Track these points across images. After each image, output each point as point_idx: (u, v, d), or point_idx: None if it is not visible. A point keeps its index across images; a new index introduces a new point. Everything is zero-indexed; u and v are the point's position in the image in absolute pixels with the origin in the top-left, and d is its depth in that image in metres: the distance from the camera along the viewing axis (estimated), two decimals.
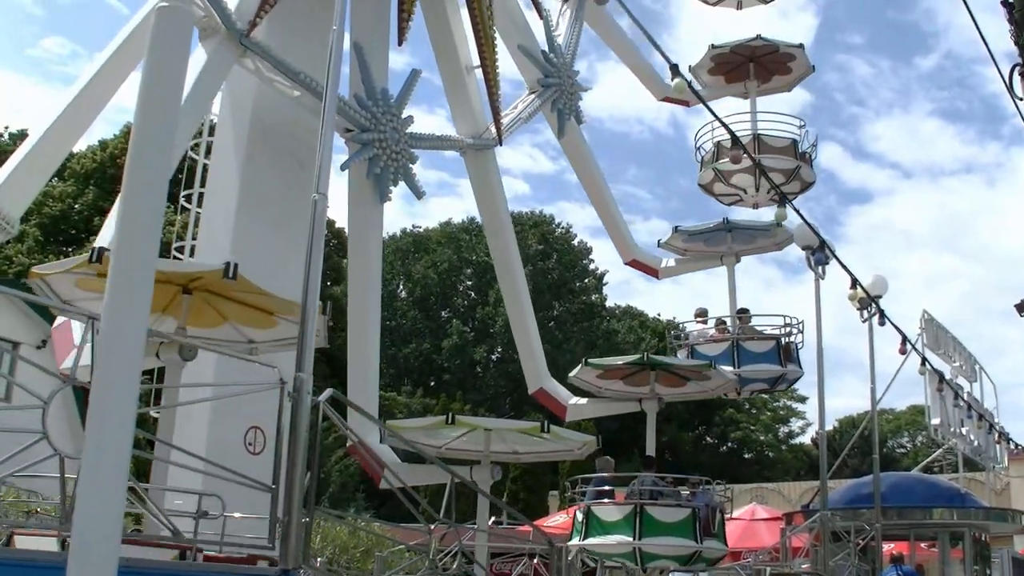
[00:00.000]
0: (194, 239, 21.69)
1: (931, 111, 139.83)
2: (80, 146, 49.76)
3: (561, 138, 27.87)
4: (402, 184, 22.46)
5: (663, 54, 11.58)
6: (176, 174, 21.67)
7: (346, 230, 60.46)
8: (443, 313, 73.87)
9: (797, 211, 18.79)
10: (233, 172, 19.49)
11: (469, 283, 75.77)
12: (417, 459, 22.78)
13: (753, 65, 30.43)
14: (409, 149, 21.94)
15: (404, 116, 22.05)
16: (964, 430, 29.22)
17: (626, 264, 30.75)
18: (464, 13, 24.80)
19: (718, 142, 29.95)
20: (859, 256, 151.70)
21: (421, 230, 79.77)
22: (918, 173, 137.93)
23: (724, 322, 26.29)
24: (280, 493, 8.52)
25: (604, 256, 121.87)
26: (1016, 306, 24.06)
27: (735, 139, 14.58)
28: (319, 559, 18.30)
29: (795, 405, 78.55)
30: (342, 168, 21.96)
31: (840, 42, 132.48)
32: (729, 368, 23.64)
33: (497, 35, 24.98)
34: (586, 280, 75.98)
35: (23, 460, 7.47)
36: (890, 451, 79.16)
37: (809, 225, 19.24)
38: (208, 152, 22.22)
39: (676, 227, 28.16)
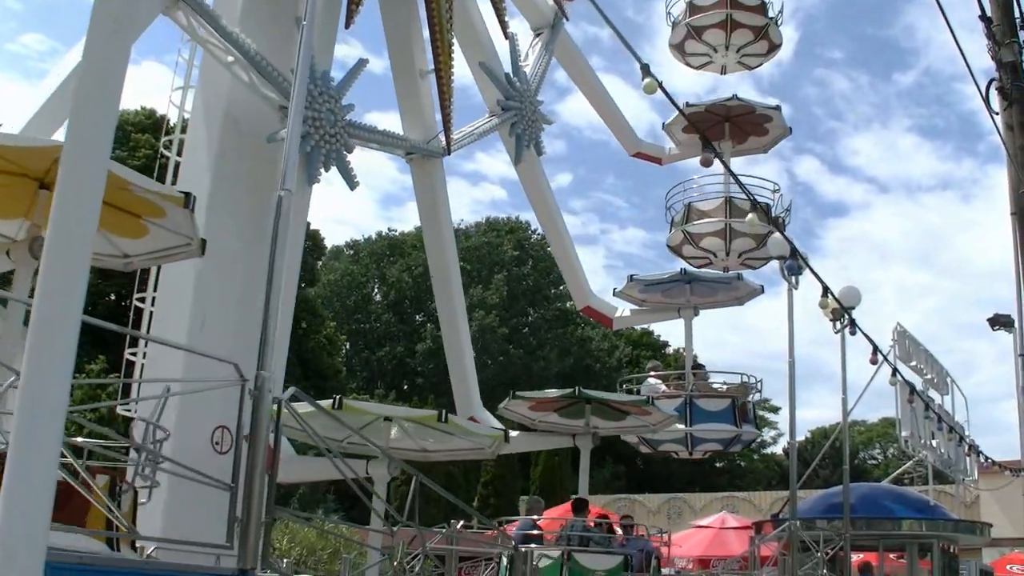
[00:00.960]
0: None
1: (909, 127, 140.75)
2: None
3: (517, 165, 26.99)
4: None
5: (635, 55, 11.51)
6: (148, 172, 21.52)
7: (321, 232, 60.26)
8: (417, 317, 73.80)
9: (771, 220, 18.75)
10: (204, 170, 19.33)
11: None
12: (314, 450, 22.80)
13: (728, 125, 30.45)
14: (346, 136, 21.64)
15: (345, 104, 22.47)
16: (934, 442, 29.21)
17: (580, 311, 31.01)
18: (423, 15, 24.85)
19: (689, 203, 30.45)
20: (835, 269, 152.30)
21: (396, 233, 79.73)
22: (894, 188, 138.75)
23: (680, 377, 25.61)
24: (239, 492, 8.39)
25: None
26: (988, 320, 24.10)
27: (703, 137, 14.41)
28: (286, 560, 18.23)
29: (767, 415, 78.77)
30: (268, 140, 21.23)
31: (820, 56, 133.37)
32: (681, 426, 22.98)
33: (457, 46, 24.96)
34: (561, 287, 75.83)
35: None
36: (861, 462, 79.48)
37: (783, 234, 19.21)
38: (180, 150, 22.08)
39: (632, 276, 27.16)
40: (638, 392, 25.23)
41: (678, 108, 15.61)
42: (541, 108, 26.70)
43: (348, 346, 70.93)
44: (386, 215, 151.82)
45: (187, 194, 10.64)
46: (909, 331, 28.89)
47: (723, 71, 32.04)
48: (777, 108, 30.40)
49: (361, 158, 29.25)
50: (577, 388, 19.76)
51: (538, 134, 26.27)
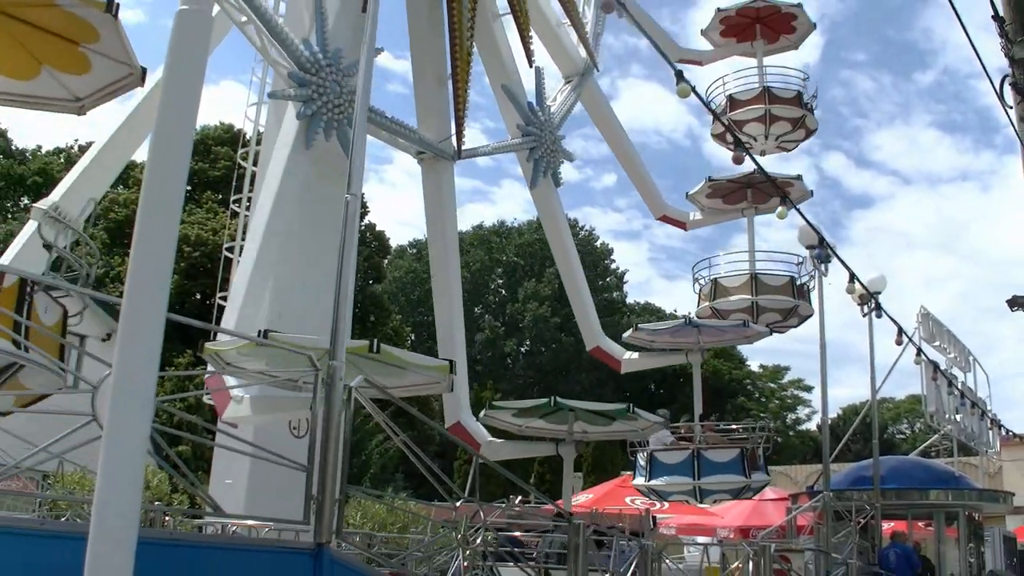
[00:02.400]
0: (243, 240, 21.72)
1: (929, 122, 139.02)
2: (141, 156, 49.97)
3: (532, 189, 26.30)
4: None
5: (669, 61, 11.46)
6: (228, 182, 21.76)
7: (387, 233, 60.48)
8: (476, 309, 73.91)
9: (799, 211, 18.61)
10: (275, 178, 19.45)
11: (500, 281, 75.79)
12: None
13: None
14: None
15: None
16: (958, 417, 28.88)
17: (589, 352, 29.71)
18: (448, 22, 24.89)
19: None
20: (862, 257, 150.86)
21: None
22: (917, 180, 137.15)
23: (691, 429, 22.85)
24: (315, 472, 8.44)
25: (625, 257, 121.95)
26: (1008, 302, 23.76)
27: (740, 144, 14.32)
28: (358, 535, 18.30)
29: (801, 394, 78.54)
30: (269, 96, 21.42)
31: (844, 59, 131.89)
32: (688, 479, 21.28)
33: (481, 63, 25.13)
34: (608, 279, 75.83)
35: (78, 440, 7.38)
36: (890, 437, 78.67)
37: (810, 224, 19.02)
38: (256, 160, 22.27)
39: (638, 325, 24.74)
40: (645, 443, 22.85)
41: (710, 110, 15.52)
42: (563, 143, 26.20)
43: (413, 337, 71.14)
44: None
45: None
46: (933, 314, 28.56)
47: (763, 154, 31.95)
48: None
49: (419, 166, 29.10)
50: (553, 398, 18.77)
51: (557, 166, 25.77)
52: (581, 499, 29.06)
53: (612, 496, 28.71)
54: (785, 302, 27.91)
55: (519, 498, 21.74)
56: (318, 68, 18.78)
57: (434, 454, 47.79)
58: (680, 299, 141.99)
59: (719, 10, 30.86)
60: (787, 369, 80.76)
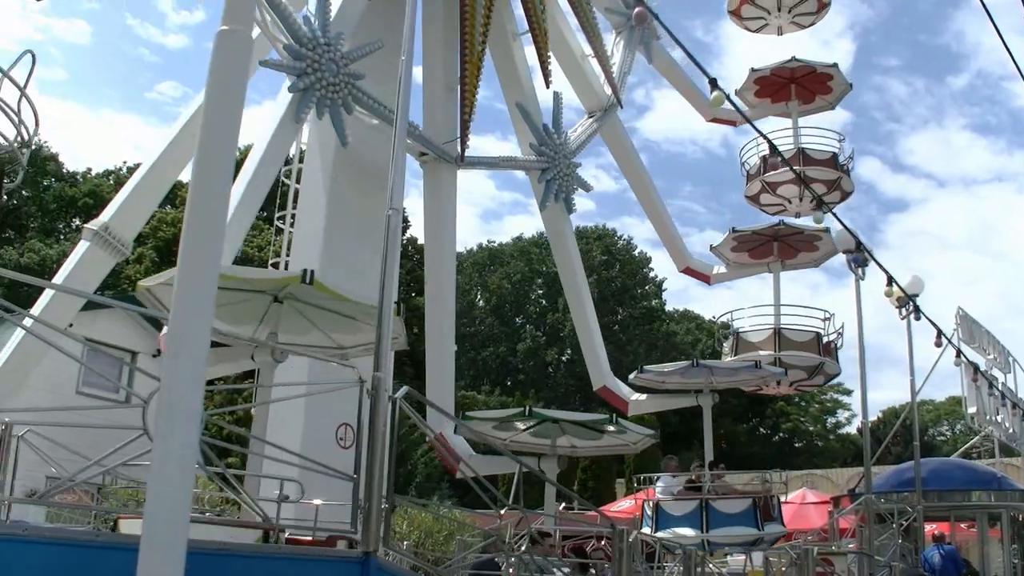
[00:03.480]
0: (288, 256, 21.87)
1: (963, 125, 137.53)
2: (188, 176, 50.41)
3: (542, 211, 25.40)
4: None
5: (702, 70, 11.42)
6: (271, 199, 21.90)
7: (423, 240, 60.81)
8: (517, 319, 74.02)
9: (836, 216, 18.47)
10: (320, 194, 19.57)
11: (540, 292, 75.81)
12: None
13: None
14: (347, 94, 19.93)
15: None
16: (999, 418, 28.50)
17: (596, 391, 28.01)
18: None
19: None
20: (898, 260, 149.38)
21: (496, 245, 79.99)
22: (952, 182, 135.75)
23: (700, 467, 20.73)
24: (361, 482, 8.46)
25: (663, 265, 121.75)
26: None
27: (773, 147, 14.26)
28: (405, 542, 18.34)
29: (841, 398, 77.76)
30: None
31: (877, 64, 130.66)
32: (693, 531, 19.75)
33: (498, 78, 25.02)
34: (646, 287, 75.68)
35: (130, 453, 7.45)
36: (931, 439, 77.80)
37: (847, 228, 18.88)
38: (299, 178, 22.41)
39: (643, 367, 23.08)
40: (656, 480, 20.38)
41: (746, 118, 15.46)
42: (579, 171, 25.38)
43: (456, 348, 71.39)
44: (486, 228, 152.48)
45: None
46: (971, 315, 28.24)
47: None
48: (835, 66, 30.04)
49: (463, 178, 28.91)
50: (528, 407, 17.83)
51: (571, 192, 24.95)
52: (624, 505, 28.94)
53: None
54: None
55: (562, 505, 21.67)
56: (315, 45, 18.32)
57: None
58: (718, 306, 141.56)
59: (753, 70, 30.21)
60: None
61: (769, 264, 28.92)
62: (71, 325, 21.38)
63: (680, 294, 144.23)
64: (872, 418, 66.48)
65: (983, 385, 26.98)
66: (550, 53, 24.09)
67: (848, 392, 76.42)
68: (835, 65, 30.14)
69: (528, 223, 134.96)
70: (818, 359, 27.16)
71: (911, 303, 21.21)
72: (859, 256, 19.14)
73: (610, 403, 26.82)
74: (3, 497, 9.41)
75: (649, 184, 29.29)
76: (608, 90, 26.64)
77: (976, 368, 26.66)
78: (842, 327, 28.63)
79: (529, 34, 23.98)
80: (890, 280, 20.01)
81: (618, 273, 73.47)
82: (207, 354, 3.14)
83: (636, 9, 18.87)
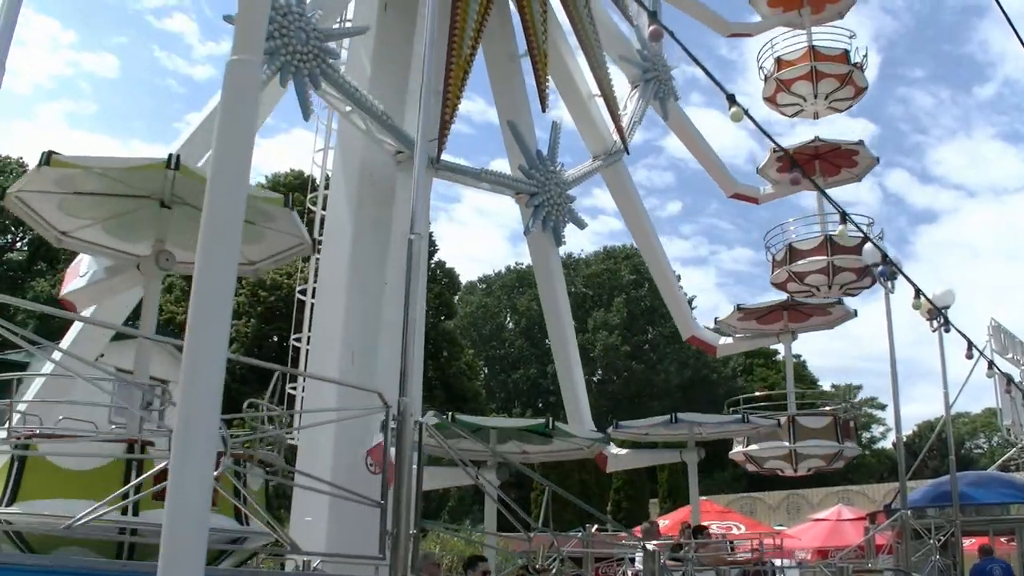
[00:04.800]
0: (315, 283, 21.94)
1: (992, 134, 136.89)
2: None
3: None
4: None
5: (720, 86, 11.38)
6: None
7: (456, 269, 60.97)
8: (547, 341, 73.87)
9: (862, 230, 18.36)
10: (346, 220, 19.65)
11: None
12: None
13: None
14: (317, 70, 20.91)
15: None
16: None
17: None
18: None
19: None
20: (928, 272, 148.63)
21: (524, 267, 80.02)
22: (981, 192, 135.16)
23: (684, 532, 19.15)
24: (388, 507, 8.46)
25: (692, 282, 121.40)
26: None
27: (790, 157, 14.18)
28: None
29: (875, 412, 77.31)
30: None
31: (902, 76, 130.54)
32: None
33: (494, 99, 24.97)
34: None
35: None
36: (967, 452, 77.12)
37: (874, 243, 18.78)
38: (324, 204, 22.50)
39: (617, 423, 22.88)
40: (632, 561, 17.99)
41: (767, 135, 15.37)
42: (573, 206, 24.35)
43: (486, 371, 71.32)
44: (514, 251, 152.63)
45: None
46: (1004, 325, 28.01)
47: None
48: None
49: (491, 201, 28.68)
50: (451, 414, 15.98)
51: (561, 224, 23.80)
52: (659, 525, 28.78)
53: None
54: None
55: (595, 526, 21.58)
56: (286, 12, 18.12)
57: (511, 485, 47.78)
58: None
59: (775, 150, 30.55)
60: (859, 388, 79.67)
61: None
62: (102, 355, 21.50)
63: (710, 312, 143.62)
64: (907, 432, 65.97)
65: (1017, 396, 26.72)
66: (549, 78, 23.87)
67: (882, 407, 76.07)
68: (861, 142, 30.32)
69: None
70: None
71: (942, 315, 21.03)
72: (886, 269, 19.02)
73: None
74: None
75: (654, 239, 28.57)
76: (615, 135, 26.12)
77: (1010, 379, 26.40)
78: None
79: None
80: (918, 292, 19.84)
81: (647, 292, 73.39)
82: (222, 381, 3.15)
83: (651, 27, 18.74)
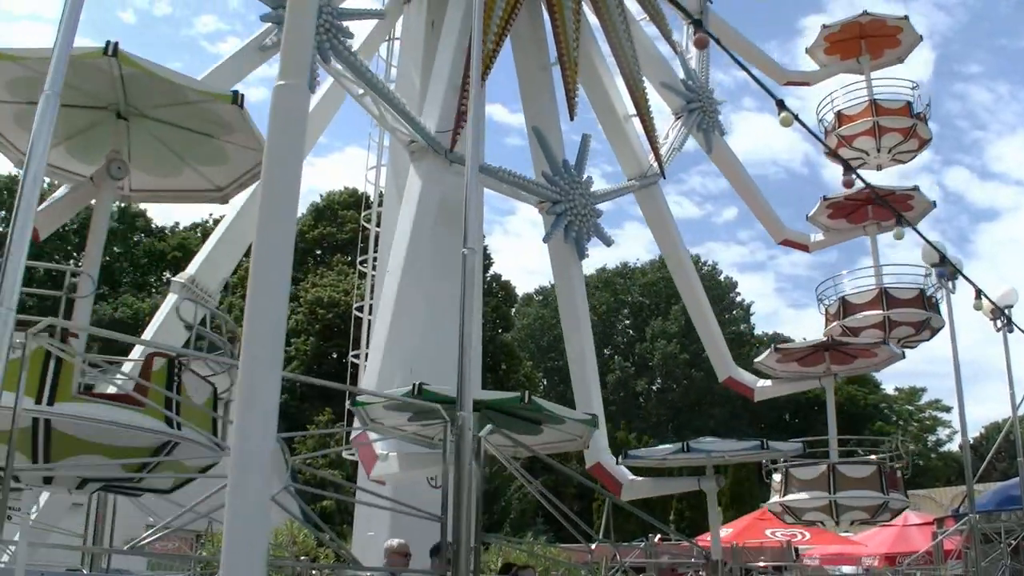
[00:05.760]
0: (372, 299, 22.08)
1: None
2: None
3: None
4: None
5: (768, 91, 11.33)
6: (354, 245, 22.17)
7: (511, 282, 60.98)
8: (605, 351, 73.73)
9: (918, 232, 18.17)
10: (401, 236, 19.75)
11: (627, 322, 75.49)
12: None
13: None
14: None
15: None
16: None
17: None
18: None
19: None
20: (990, 270, 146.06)
21: None
22: None
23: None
24: (448, 521, 8.49)
25: (750, 287, 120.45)
26: None
27: (847, 167, 14.09)
28: None
29: (940, 415, 76.14)
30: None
31: (958, 73, 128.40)
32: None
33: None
34: (734, 312, 74.95)
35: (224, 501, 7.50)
36: None
37: (930, 243, 18.56)
38: (379, 221, 22.67)
39: (627, 452, 21.44)
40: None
41: (817, 137, 15.28)
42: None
43: (545, 382, 71.22)
44: None
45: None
46: None
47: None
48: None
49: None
50: (416, 384, 15.06)
51: (584, 237, 23.14)
52: (721, 534, 28.58)
53: (752, 529, 28.16)
54: (917, 315, 26.64)
55: (658, 536, 21.51)
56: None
57: (573, 496, 47.61)
58: (809, 327, 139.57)
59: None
60: (923, 390, 78.51)
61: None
62: None
63: (770, 318, 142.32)
64: (974, 434, 64.87)
65: None
66: (584, 96, 23.86)
67: (947, 409, 74.88)
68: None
69: (611, 254, 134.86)
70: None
71: (1004, 315, 20.73)
72: (945, 270, 18.81)
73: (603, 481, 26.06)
74: (96, 547, 9.60)
75: (688, 267, 28.06)
76: (651, 158, 25.63)
77: None
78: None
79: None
80: (979, 293, 19.59)
81: None
82: (277, 401, 3.20)
83: (695, 35, 18.59)
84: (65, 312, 8.59)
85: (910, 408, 77.63)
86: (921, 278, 27.31)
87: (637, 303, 74.36)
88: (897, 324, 26.48)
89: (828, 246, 30.88)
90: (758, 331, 76.86)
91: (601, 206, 23.35)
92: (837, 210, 28.23)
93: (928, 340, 27.46)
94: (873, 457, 24.16)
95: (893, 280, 27.59)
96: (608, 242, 23.92)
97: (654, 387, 70.88)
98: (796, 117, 11.96)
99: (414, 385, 12.24)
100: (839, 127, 29.72)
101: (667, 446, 20.76)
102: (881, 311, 26.79)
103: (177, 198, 12.08)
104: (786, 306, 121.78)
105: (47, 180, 11.38)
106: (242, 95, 9.76)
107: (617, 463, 21.73)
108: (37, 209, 12.32)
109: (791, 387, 27.12)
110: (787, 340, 74.61)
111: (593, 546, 10.74)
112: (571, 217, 22.55)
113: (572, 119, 23.15)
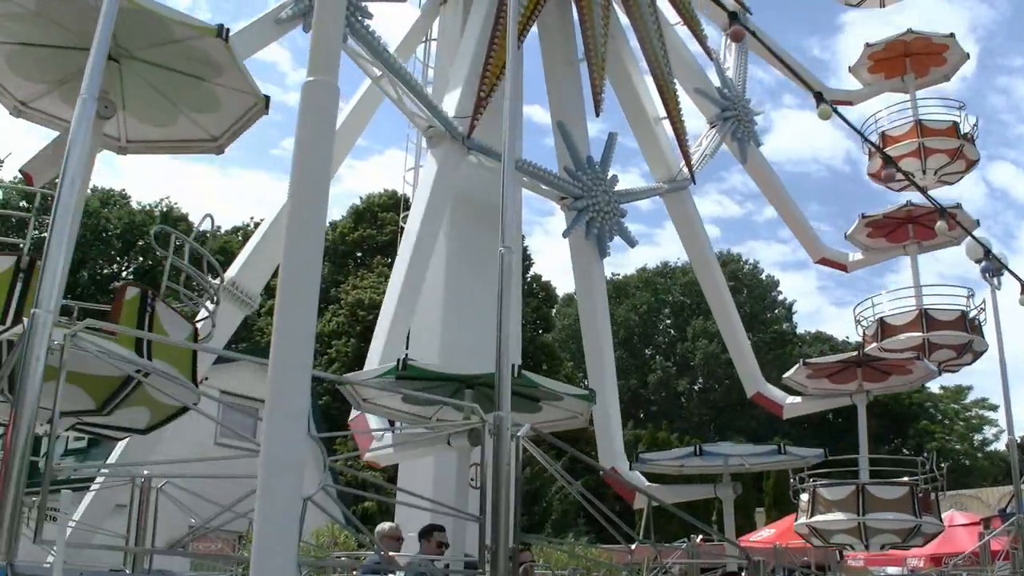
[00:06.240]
0: None
1: None
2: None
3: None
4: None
5: (806, 84, 11.21)
6: (394, 247, 22.20)
7: (552, 283, 60.90)
8: (646, 351, 73.53)
9: (963, 226, 17.92)
10: (413, 219, 19.74)
11: (668, 322, 75.25)
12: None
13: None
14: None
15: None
16: None
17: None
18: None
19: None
20: None
21: (620, 277, 79.71)
22: None
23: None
24: (487, 522, 8.45)
25: (791, 286, 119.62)
26: None
27: (886, 158, 13.92)
28: None
29: (987, 414, 75.21)
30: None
31: (1002, 66, 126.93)
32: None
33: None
34: (776, 311, 74.53)
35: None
36: None
37: (975, 238, 18.32)
38: None
39: (638, 456, 22.56)
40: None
41: (856, 129, 15.10)
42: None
43: (586, 382, 71.14)
44: (611, 261, 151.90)
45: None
46: None
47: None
48: (951, 36, 29.34)
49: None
50: (400, 360, 13.37)
51: (606, 235, 22.78)
52: (764, 534, 28.38)
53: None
54: (958, 337, 25.90)
55: (700, 537, 21.34)
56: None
57: (614, 497, 47.45)
58: (852, 326, 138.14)
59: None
60: (969, 389, 77.61)
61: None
62: (206, 379, 21.90)
63: (812, 316, 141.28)
64: (1022, 433, 63.98)
65: None
66: (617, 98, 23.80)
67: (994, 407, 73.94)
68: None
69: (651, 253, 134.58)
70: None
71: None
72: (990, 264, 18.57)
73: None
74: (139, 548, 9.64)
75: (716, 274, 27.77)
76: (681, 162, 25.41)
77: None
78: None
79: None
80: None
81: (746, 298, 72.59)
82: (307, 402, 3.17)
83: (731, 28, 18.42)
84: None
85: (956, 407, 76.76)
86: (963, 299, 26.81)
87: (678, 302, 74.06)
88: (938, 347, 25.94)
89: (867, 266, 30.50)
90: (800, 330, 76.47)
91: (641, 205, 23.42)
92: (876, 228, 27.81)
93: (970, 364, 26.84)
94: (905, 479, 23.44)
95: (934, 301, 27.06)
96: (632, 243, 23.59)
97: (696, 387, 70.61)
98: (835, 110, 11.83)
99: (398, 360, 12.18)
100: (884, 148, 29.21)
101: (678, 450, 20.42)
102: (921, 333, 26.17)
103: (173, 148, 11.94)
104: (828, 304, 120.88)
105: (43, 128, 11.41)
106: (227, 28, 9.67)
107: (631, 468, 21.48)
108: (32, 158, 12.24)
109: (822, 404, 26.48)
110: (830, 339, 74.23)
111: (634, 547, 10.65)
112: (593, 214, 22.23)
113: (598, 115, 22.98)
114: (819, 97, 11.39)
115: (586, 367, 24.39)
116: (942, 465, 23.11)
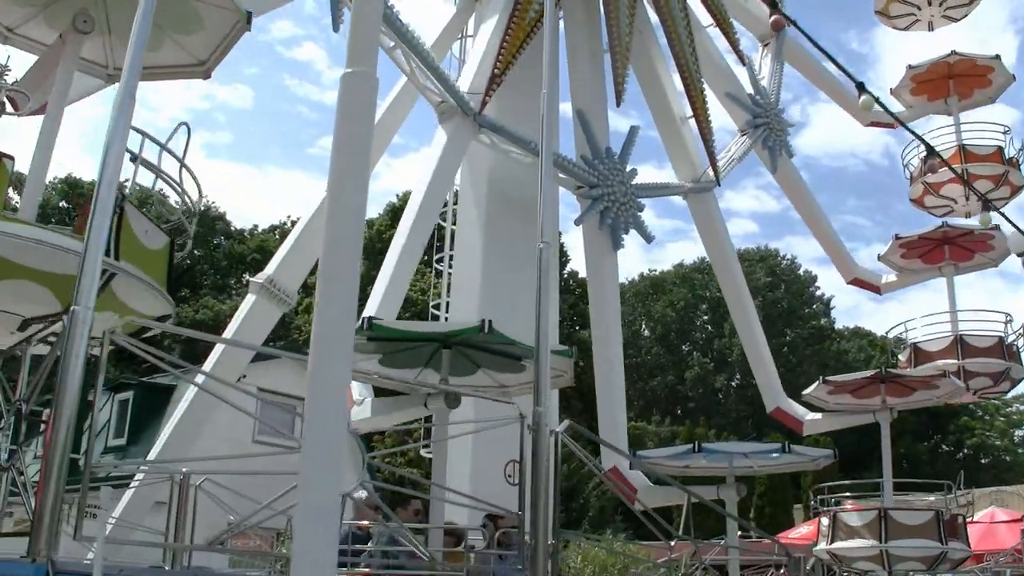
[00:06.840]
0: (448, 297, 22.12)
1: None
2: None
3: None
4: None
5: (847, 73, 11.07)
6: (430, 245, 22.22)
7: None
8: (684, 347, 73.26)
9: (1004, 216, 17.66)
10: (477, 234, 19.78)
11: (705, 318, 74.91)
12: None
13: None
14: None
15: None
16: None
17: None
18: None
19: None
20: None
21: (657, 273, 79.44)
22: None
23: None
24: (526, 518, 8.43)
25: (830, 281, 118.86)
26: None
27: (930, 149, 13.71)
28: None
29: None
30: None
31: None
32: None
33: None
34: (814, 306, 74.01)
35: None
36: None
37: (1018, 228, 18.05)
38: (455, 219, 22.69)
39: (635, 452, 22.01)
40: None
41: (897, 119, 14.93)
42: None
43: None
44: (648, 257, 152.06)
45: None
46: None
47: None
48: (996, 57, 28.66)
49: None
50: (367, 319, 13.15)
51: (619, 226, 22.12)
52: (803, 531, 28.18)
53: None
54: (995, 365, 25.22)
55: (739, 533, 21.20)
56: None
57: None
58: (891, 320, 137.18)
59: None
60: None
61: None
62: (244, 376, 22.05)
63: (851, 311, 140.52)
64: None
65: None
66: (633, 76, 23.38)
67: None
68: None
69: (689, 249, 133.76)
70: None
71: None
72: None
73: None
74: (178, 544, 9.67)
75: (739, 280, 27.32)
76: (706, 164, 25.06)
77: None
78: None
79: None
80: None
81: (784, 294, 72.17)
82: (345, 396, 3.13)
83: (773, 17, 18.18)
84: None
85: (996, 402, 75.97)
86: (1000, 325, 26.19)
87: (715, 298, 73.65)
88: (974, 375, 25.23)
89: (900, 287, 29.89)
90: (839, 325, 75.88)
91: (677, 201, 23.17)
92: (911, 249, 27.27)
93: (1007, 392, 26.17)
94: (931, 498, 22.42)
95: (970, 327, 26.31)
96: (648, 238, 22.82)
97: (733, 383, 70.23)
98: (877, 100, 11.68)
99: (363, 319, 12.09)
100: (924, 175, 28.72)
101: (678, 447, 19.96)
102: (956, 360, 25.44)
103: (162, 75, 11.78)
104: (867, 299, 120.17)
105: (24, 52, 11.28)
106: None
107: (631, 467, 21.07)
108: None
109: (843, 421, 25.37)
110: (869, 334, 73.63)
111: (672, 543, 10.57)
112: (607, 203, 21.66)
113: (618, 104, 22.53)
114: (861, 87, 11.21)
115: (593, 360, 23.30)
116: (968, 496, 22.07)
